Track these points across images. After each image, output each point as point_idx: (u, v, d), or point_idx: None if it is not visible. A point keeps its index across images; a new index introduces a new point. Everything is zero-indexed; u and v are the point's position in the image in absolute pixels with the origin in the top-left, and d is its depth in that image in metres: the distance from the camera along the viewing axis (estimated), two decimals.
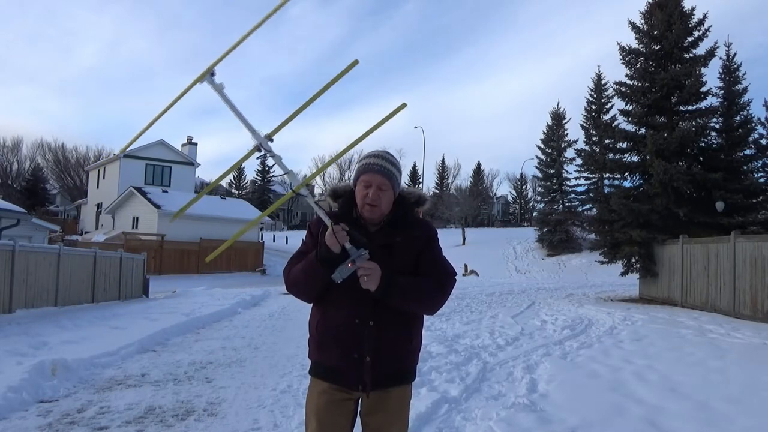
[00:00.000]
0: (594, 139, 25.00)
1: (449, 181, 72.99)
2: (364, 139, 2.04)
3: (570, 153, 36.06)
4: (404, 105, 2.03)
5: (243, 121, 1.98)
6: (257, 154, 2.01)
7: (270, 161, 2.00)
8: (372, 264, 1.92)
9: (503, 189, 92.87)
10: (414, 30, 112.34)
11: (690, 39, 16.52)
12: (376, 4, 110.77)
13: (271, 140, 1.99)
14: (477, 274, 28.29)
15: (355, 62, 2.05)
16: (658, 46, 16.64)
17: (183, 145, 39.35)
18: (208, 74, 1.97)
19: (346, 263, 1.90)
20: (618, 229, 15.72)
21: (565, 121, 38.30)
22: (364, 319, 1.99)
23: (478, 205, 53.64)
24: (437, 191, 66.72)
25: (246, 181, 73.32)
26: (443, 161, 73.12)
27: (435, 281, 2.06)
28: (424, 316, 2.22)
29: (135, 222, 31.30)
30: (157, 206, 29.25)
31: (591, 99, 34.23)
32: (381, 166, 2.03)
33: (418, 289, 2.00)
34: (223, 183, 71.72)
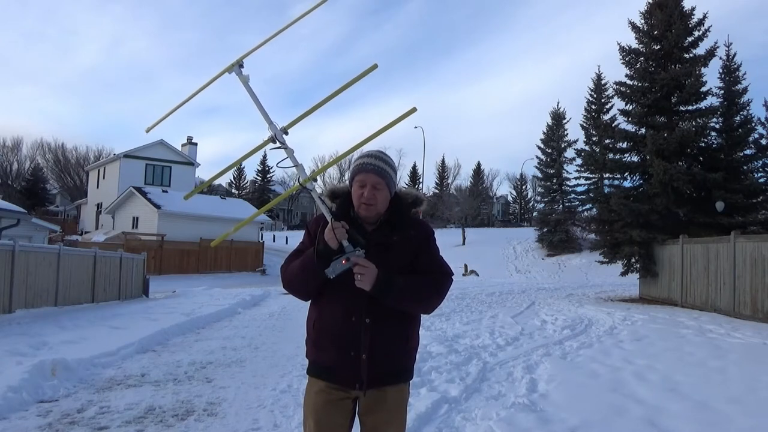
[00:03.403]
0: (594, 139, 24.94)
1: (449, 181, 73.03)
2: (370, 141, 2.09)
3: (570, 153, 36.06)
4: (414, 109, 2.08)
5: (262, 112, 2.09)
6: (271, 145, 2.08)
7: (275, 155, 2.08)
8: (367, 263, 1.93)
9: (503, 189, 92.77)
10: (415, 30, 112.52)
11: (690, 39, 16.53)
12: (377, 3, 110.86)
13: (286, 133, 2.09)
14: (477, 274, 28.29)
15: (375, 66, 2.13)
16: (658, 46, 16.64)
17: (183, 145, 39.34)
18: (237, 66, 2.13)
19: (340, 259, 1.92)
20: (618, 229, 15.72)
21: (565, 121, 38.28)
22: (360, 317, 2.00)
23: (478, 205, 53.65)
24: (437, 191, 66.67)
25: (246, 181, 73.37)
26: (443, 161, 73.20)
27: (432, 281, 2.08)
28: (422, 315, 2.23)
29: (135, 222, 31.30)
30: (157, 206, 29.25)
31: (591, 99, 34.20)
32: (375, 165, 2.05)
33: (415, 288, 2.01)
34: (223, 183, 71.90)
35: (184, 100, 2.32)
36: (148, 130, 2.41)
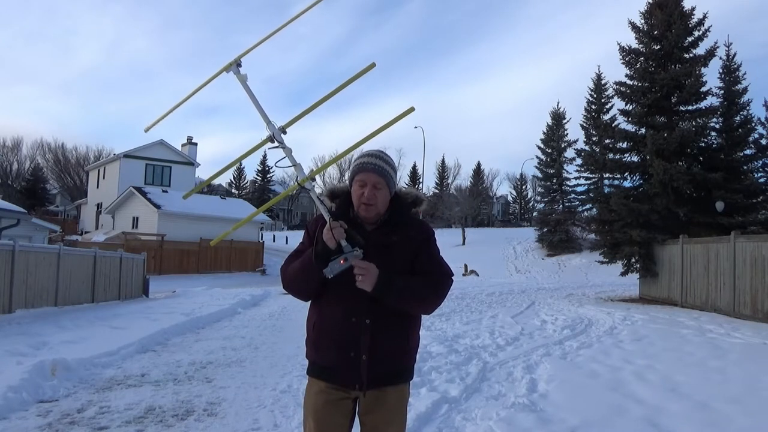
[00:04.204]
0: (594, 139, 24.99)
1: (449, 181, 73.02)
2: (369, 140, 2.10)
3: (570, 153, 36.07)
4: (412, 109, 2.08)
5: (260, 111, 2.10)
6: (269, 144, 2.08)
7: (274, 154, 2.08)
8: (368, 264, 1.93)
9: (503, 189, 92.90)
10: (415, 30, 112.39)
11: (690, 39, 16.53)
12: (378, 3, 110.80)
13: (285, 132, 2.09)
14: (477, 274, 28.28)
15: (372, 65, 2.13)
16: (658, 46, 16.64)
17: (183, 145, 39.33)
18: (235, 65, 2.13)
19: (338, 259, 1.92)
20: (618, 229, 15.72)
21: (565, 121, 38.27)
22: (360, 317, 2.00)
23: (478, 205, 53.64)
24: (437, 191, 66.67)
25: (246, 180, 73.39)
26: (443, 161, 73.17)
27: (432, 282, 2.07)
28: (422, 315, 2.23)
29: (135, 222, 31.30)
30: (157, 206, 29.24)
31: (591, 99, 34.20)
32: (375, 164, 2.05)
33: (415, 289, 2.01)
34: (223, 183, 71.91)
35: (182, 99, 2.32)
36: (146, 130, 2.41)
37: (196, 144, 40.03)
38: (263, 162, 68.93)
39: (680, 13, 16.27)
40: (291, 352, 7.18)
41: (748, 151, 16.72)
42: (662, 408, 4.49)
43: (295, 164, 2.06)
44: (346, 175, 2.26)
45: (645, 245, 15.11)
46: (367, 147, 2.14)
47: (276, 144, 2.07)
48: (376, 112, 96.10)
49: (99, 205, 38.33)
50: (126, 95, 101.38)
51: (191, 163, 38.31)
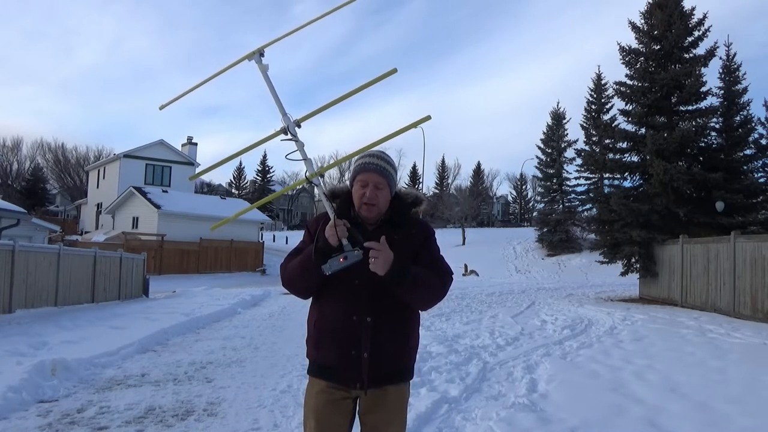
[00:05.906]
0: (594, 139, 24.99)
1: (449, 181, 73.03)
2: (382, 143, 2.12)
3: (570, 153, 36.05)
4: (428, 117, 2.10)
5: (277, 102, 2.11)
6: (282, 136, 2.10)
7: (285, 147, 2.10)
8: (383, 246, 1.91)
9: (503, 189, 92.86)
10: (415, 30, 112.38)
11: (690, 39, 16.53)
12: (379, 3, 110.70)
13: (299, 126, 2.10)
14: (477, 274, 28.29)
15: (394, 70, 2.15)
16: (658, 46, 16.64)
17: (183, 145, 39.36)
18: (257, 54, 2.14)
19: (338, 257, 1.91)
20: (618, 229, 15.73)
21: (565, 121, 38.24)
22: (361, 315, 2.00)
23: (478, 205, 53.63)
24: (437, 191, 66.67)
25: (246, 181, 73.33)
26: (443, 161, 73.20)
27: (438, 277, 2.07)
28: (421, 314, 2.23)
29: (135, 222, 31.29)
30: (157, 206, 29.24)
31: (591, 99, 34.17)
32: (377, 164, 2.05)
33: (426, 280, 2.01)
34: (223, 183, 71.87)
35: (200, 82, 2.34)
36: (162, 108, 2.41)
37: (196, 144, 40.07)
38: (263, 162, 68.94)
39: (680, 13, 16.27)
40: (291, 352, 7.18)
41: (748, 151, 16.74)
42: (662, 408, 4.49)
43: (305, 158, 2.07)
44: (346, 176, 2.26)
45: (645, 245, 15.12)
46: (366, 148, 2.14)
47: (289, 137, 2.08)
48: (377, 112, 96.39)
49: (99, 205, 38.33)
50: (126, 95, 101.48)
51: (191, 163, 38.29)
